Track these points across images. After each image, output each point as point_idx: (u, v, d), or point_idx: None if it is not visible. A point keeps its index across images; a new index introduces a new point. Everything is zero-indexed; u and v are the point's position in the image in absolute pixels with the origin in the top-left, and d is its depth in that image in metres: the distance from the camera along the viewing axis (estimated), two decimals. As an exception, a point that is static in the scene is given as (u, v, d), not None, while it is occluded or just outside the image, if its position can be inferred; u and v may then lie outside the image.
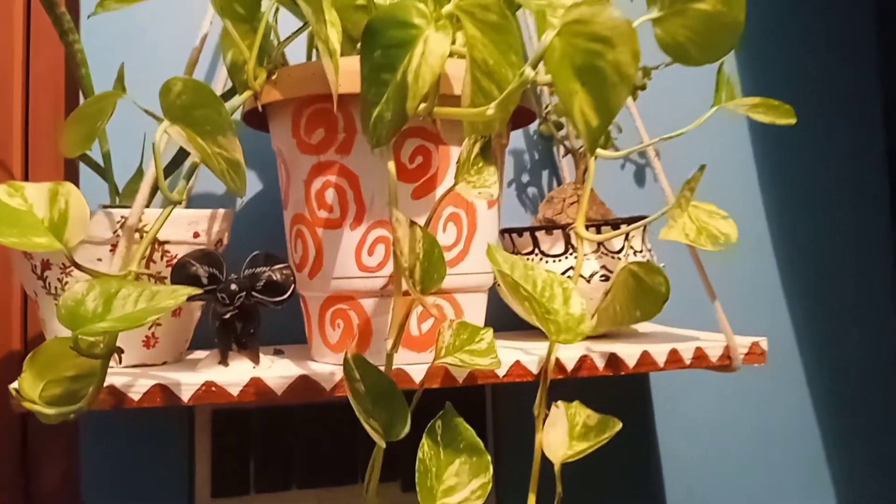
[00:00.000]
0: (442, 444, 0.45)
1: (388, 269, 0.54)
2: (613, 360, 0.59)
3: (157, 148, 0.43)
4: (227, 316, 0.54)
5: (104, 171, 0.63)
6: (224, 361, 0.55)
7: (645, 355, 0.60)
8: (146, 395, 0.51)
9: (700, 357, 0.62)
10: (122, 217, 0.54)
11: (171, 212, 0.45)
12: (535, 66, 0.33)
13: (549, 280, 0.46)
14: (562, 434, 0.47)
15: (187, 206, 0.64)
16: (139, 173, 0.63)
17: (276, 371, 0.54)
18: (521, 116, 0.63)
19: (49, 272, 0.55)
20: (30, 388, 0.40)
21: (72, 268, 0.54)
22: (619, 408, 0.80)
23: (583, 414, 0.49)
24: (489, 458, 0.45)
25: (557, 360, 0.56)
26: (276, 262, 0.55)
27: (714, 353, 0.63)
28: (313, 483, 0.72)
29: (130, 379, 0.51)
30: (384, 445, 0.42)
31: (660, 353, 0.61)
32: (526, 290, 0.43)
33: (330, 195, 0.55)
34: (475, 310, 0.58)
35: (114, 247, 0.54)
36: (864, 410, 0.93)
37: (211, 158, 0.43)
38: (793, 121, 0.58)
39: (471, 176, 0.46)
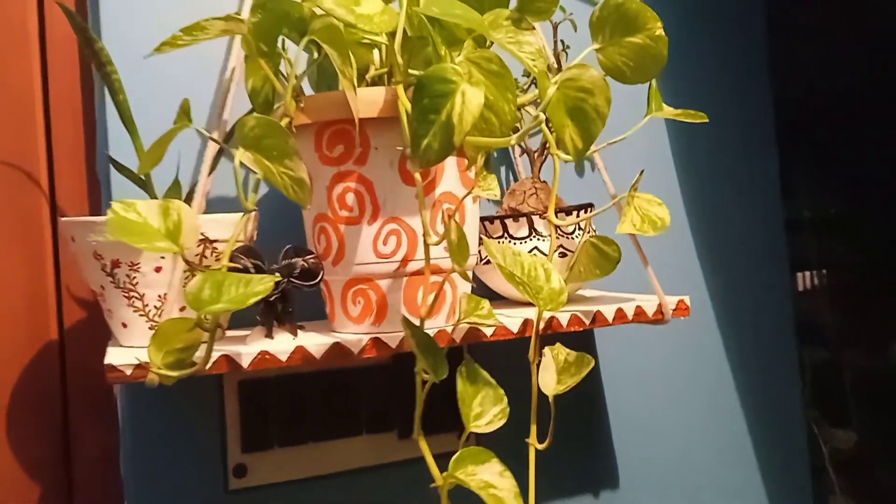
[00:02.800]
0: (469, 382, 0.60)
1: (400, 254, 0.68)
2: (576, 319, 0.76)
3: (237, 169, 0.55)
4: (272, 299, 0.67)
5: (144, 184, 0.74)
6: (270, 335, 0.68)
7: (598, 314, 0.77)
8: (214, 364, 0.64)
9: (640, 313, 0.79)
10: (181, 222, 0.66)
11: (249, 217, 0.58)
12: (544, 111, 0.47)
13: (533, 263, 0.62)
14: (552, 374, 0.62)
15: (206, 211, 0.76)
16: (176, 185, 0.75)
17: (314, 340, 0.67)
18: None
19: (118, 269, 0.66)
20: (155, 357, 0.52)
21: (140, 264, 0.66)
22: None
23: (563, 353, 0.64)
24: (502, 391, 0.60)
25: (554, 318, 0.71)
26: (305, 253, 0.68)
27: (650, 310, 0.80)
28: (324, 437, 0.86)
29: (200, 352, 0.64)
30: (436, 380, 0.57)
31: (608, 311, 0.77)
32: (519, 278, 0.58)
33: (350, 198, 0.68)
34: (464, 286, 0.73)
35: (175, 246, 0.66)
36: (763, 359, 1.13)
37: (275, 176, 0.56)
38: (705, 120, 0.75)
39: (482, 182, 0.61)
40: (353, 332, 0.71)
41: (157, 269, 0.66)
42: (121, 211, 0.52)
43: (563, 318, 0.76)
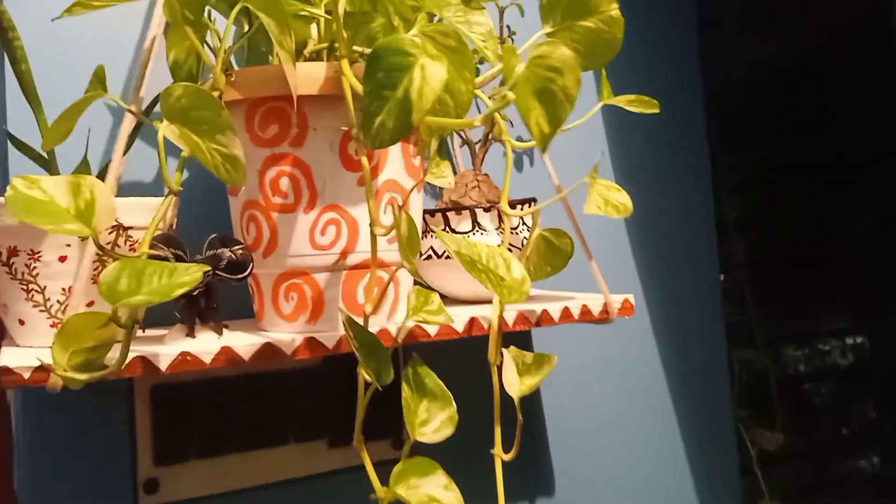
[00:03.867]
0: (414, 386, 0.55)
1: (339, 246, 0.63)
2: (522, 318, 0.72)
3: (161, 144, 0.49)
4: (195, 293, 0.61)
5: (48, 163, 0.66)
6: (191, 334, 0.61)
7: (544, 313, 0.73)
8: (128, 367, 0.56)
9: (585, 312, 0.76)
10: (91, 206, 0.58)
11: (172, 201, 0.51)
12: (511, 89, 0.43)
13: (491, 252, 0.57)
14: (514, 374, 0.58)
15: (118, 195, 0.68)
16: (84, 165, 0.67)
17: (241, 340, 0.61)
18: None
19: (16, 259, 0.58)
20: (60, 358, 0.45)
21: (41, 253, 0.58)
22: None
23: (521, 355, 0.60)
24: (450, 396, 0.55)
25: (502, 317, 0.66)
26: (233, 243, 0.62)
27: (596, 309, 0.77)
28: (248, 446, 0.79)
29: (113, 353, 0.56)
30: (380, 388, 0.51)
31: (554, 310, 0.74)
32: (482, 264, 0.54)
33: (284, 183, 0.62)
34: (408, 281, 0.68)
35: (83, 233, 0.58)
36: (695, 353, 1.13)
37: (205, 154, 0.50)
38: (657, 111, 0.73)
39: (434, 169, 0.56)
40: (284, 332, 0.65)
41: (62, 259, 0.58)
42: (22, 188, 0.45)
43: (509, 317, 0.72)
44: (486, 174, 0.84)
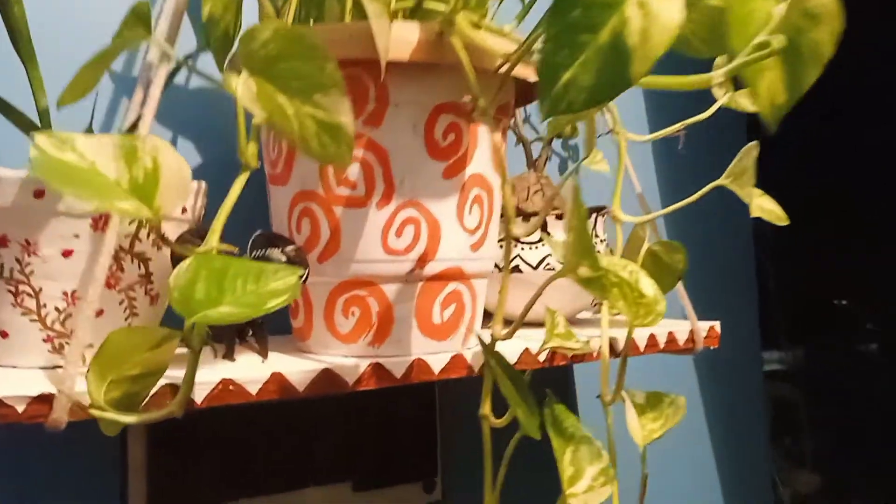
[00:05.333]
0: (555, 430, 0.43)
1: (417, 252, 0.51)
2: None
3: (241, 106, 0.36)
4: (237, 304, 0.47)
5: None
6: (230, 356, 0.48)
7: (631, 341, 0.62)
8: (154, 398, 0.43)
9: (671, 341, 0.66)
10: (110, 185, 0.44)
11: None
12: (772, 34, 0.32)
13: (613, 264, 0.46)
14: (635, 417, 0.47)
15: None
16: (89, 131, 0.53)
17: (291, 365, 0.48)
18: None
19: (3, 251, 0.44)
20: (96, 389, 0.31)
21: (38, 244, 0.44)
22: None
23: (632, 394, 0.49)
24: (600, 444, 0.44)
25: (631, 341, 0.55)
26: (284, 242, 0.49)
27: (681, 338, 0.66)
28: (262, 490, 0.65)
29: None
30: (539, 436, 0.39)
31: (640, 338, 0.63)
32: (617, 276, 0.42)
33: (353, 171, 0.50)
34: (483, 297, 0.56)
35: (97, 220, 0.45)
36: (730, 392, 1.04)
37: (290, 120, 0.37)
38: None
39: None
40: (338, 355, 0.52)
41: (66, 254, 0.45)
42: (50, 148, 0.31)
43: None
44: (547, 176, 0.73)
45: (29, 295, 0.45)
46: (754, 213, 0.57)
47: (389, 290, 0.51)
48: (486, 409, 0.40)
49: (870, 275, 1.09)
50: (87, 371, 0.32)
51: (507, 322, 0.43)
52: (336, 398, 0.70)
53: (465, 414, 0.78)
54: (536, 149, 0.78)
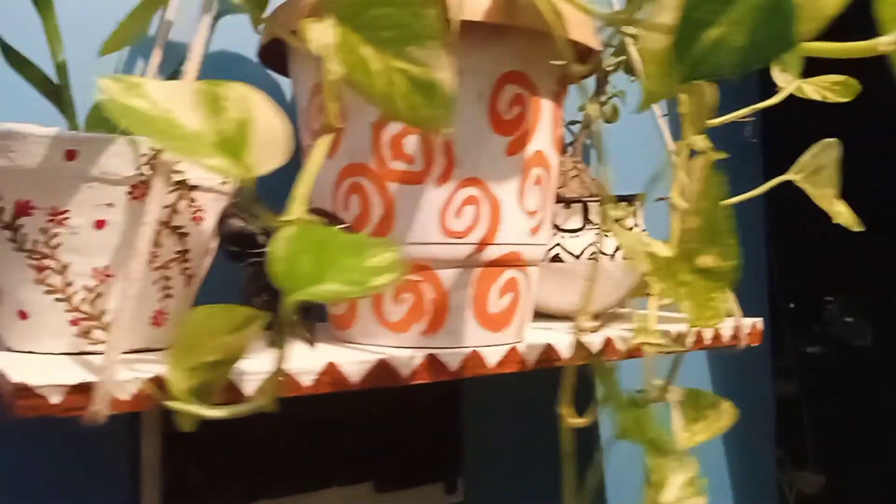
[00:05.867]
0: (637, 434, 0.39)
1: (477, 235, 0.47)
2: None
3: (327, 59, 0.31)
4: (286, 286, 0.43)
5: (57, 90, 0.46)
6: (311, 339, 0.43)
7: (678, 338, 0.59)
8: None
9: (716, 337, 0.63)
10: (150, 149, 0.40)
11: (329, 140, 0.33)
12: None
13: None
14: (680, 419, 0.44)
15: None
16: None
17: (345, 356, 0.44)
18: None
19: (26, 220, 0.39)
20: (179, 378, 0.27)
21: (69, 212, 0.39)
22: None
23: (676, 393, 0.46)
24: (683, 449, 0.40)
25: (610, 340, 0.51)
26: (331, 219, 0.44)
27: (727, 334, 0.63)
28: (281, 491, 0.60)
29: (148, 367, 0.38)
30: (631, 439, 0.35)
31: (689, 333, 0.60)
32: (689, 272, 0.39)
33: (410, 143, 0.45)
34: (536, 286, 0.53)
35: (135, 188, 0.40)
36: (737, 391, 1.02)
37: (372, 77, 0.33)
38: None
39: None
40: (386, 345, 0.48)
41: (99, 224, 0.39)
42: (119, 94, 0.27)
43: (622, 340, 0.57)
44: (584, 162, 0.69)
45: (55, 271, 0.39)
46: (835, 218, 0.54)
47: (445, 275, 0.47)
48: (566, 406, 0.37)
49: (882, 274, 1.08)
50: (170, 354, 0.28)
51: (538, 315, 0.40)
52: (356, 394, 0.65)
53: (488, 412, 0.74)
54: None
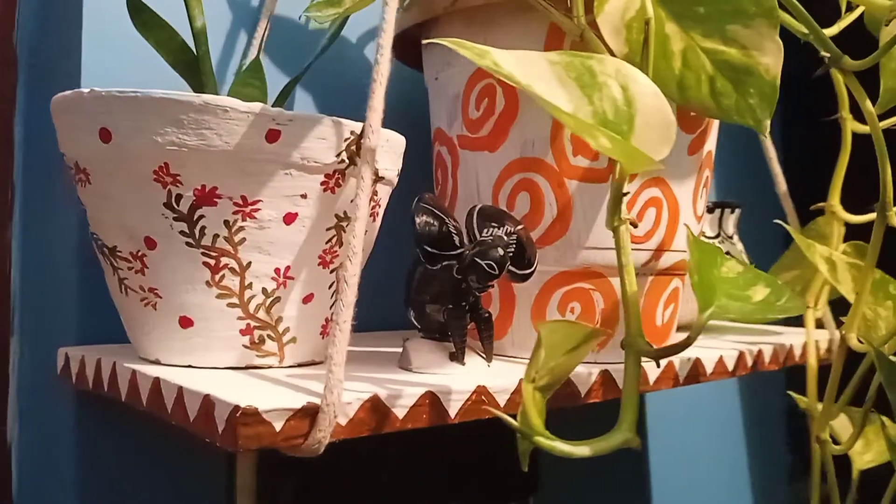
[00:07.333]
0: None
1: (656, 239, 0.43)
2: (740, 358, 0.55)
3: (651, 25, 0.27)
4: (473, 298, 0.38)
5: (194, 60, 0.40)
6: (460, 358, 0.38)
7: (759, 354, 0.56)
8: (412, 412, 0.33)
9: (791, 356, 0.61)
10: (351, 133, 0.34)
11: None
12: None
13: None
14: (853, 435, 0.41)
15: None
16: (257, 65, 0.41)
17: (516, 374, 0.39)
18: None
19: (208, 210, 0.32)
20: (534, 405, 0.22)
21: (259, 205, 0.33)
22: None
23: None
24: None
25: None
26: (511, 221, 0.40)
27: (798, 349, 0.61)
28: (372, 515, 0.55)
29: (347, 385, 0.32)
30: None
31: (767, 350, 0.57)
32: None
33: (595, 138, 0.41)
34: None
35: (329, 178, 0.34)
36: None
37: (672, 59, 0.29)
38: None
39: None
40: (548, 359, 0.43)
41: (289, 219, 0.34)
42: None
43: (712, 357, 0.53)
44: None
45: (233, 271, 0.33)
46: None
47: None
48: (824, 432, 0.34)
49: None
50: (524, 380, 0.23)
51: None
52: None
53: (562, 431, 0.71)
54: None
